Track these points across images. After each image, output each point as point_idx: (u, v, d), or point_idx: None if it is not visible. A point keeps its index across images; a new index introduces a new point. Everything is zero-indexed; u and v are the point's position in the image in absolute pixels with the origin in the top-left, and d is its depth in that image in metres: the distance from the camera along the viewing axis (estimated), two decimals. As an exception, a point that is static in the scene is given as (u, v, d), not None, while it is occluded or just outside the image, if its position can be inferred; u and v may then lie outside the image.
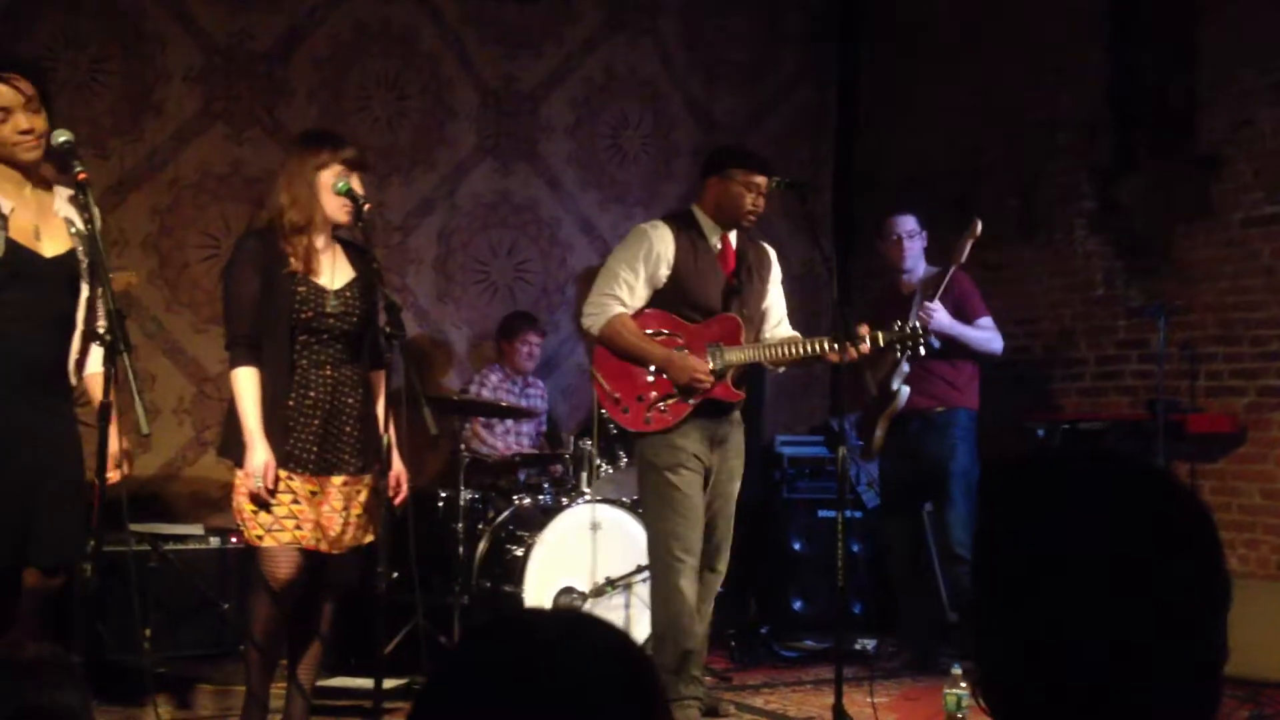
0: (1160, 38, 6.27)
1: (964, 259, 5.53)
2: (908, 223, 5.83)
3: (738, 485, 4.72)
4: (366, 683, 4.17)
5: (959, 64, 7.19)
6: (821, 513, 6.47)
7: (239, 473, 3.91)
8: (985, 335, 5.68)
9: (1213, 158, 6.01)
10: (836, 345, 4.35)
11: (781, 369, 4.86)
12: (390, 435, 3.90)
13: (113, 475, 3.62)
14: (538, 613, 1.34)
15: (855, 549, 6.35)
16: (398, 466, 4.02)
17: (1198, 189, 6.06)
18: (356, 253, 4.09)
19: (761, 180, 4.61)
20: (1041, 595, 1.20)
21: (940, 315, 5.50)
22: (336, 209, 3.96)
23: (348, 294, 4.00)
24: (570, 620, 1.14)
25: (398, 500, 4.02)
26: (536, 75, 7.07)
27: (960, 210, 6.96)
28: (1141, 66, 6.36)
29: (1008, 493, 1.28)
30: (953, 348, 5.60)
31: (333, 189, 3.94)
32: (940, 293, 5.52)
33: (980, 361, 5.75)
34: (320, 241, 4.00)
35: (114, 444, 3.55)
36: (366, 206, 3.96)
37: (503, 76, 6.98)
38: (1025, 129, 6.85)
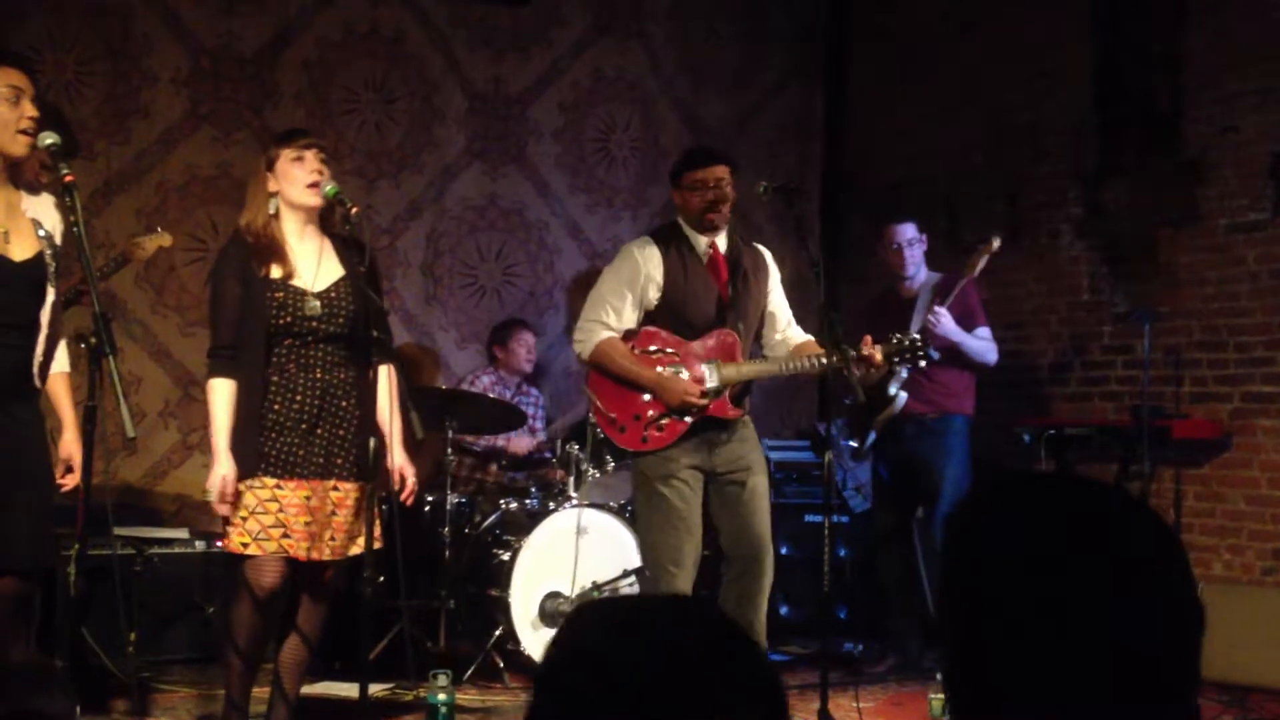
0: (1146, 42, 6.28)
1: (976, 274, 5.57)
2: (907, 231, 5.81)
3: (762, 481, 4.55)
4: (351, 688, 4.15)
5: (945, 67, 7.20)
6: (808, 517, 6.47)
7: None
8: (982, 346, 5.71)
9: (1198, 163, 6.03)
10: (833, 359, 4.21)
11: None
12: (390, 431, 3.90)
13: (69, 481, 3.59)
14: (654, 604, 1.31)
15: (841, 554, 6.35)
16: (399, 460, 3.97)
17: (1183, 194, 6.08)
18: (351, 248, 4.01)
19: (712, 172, 4.50)
20: (1004, 608, 1.19)
21: (947, 322, 5.54)
22: (301, 194, 3.91)
23: (333, 294, 3.92)
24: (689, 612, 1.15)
25: (405, 495, 3.95)
26: (524, 78, 7.06)
27: (948, 213, 6.99)
28: (1127, 70, 6.38)
29: (981, 509, 1.28)
30: (952, 356, 5.61)
31: (322, 192, 3.90)
32: (950, 301, 5.55)
33: (976, 370, 5.78)
34: (293, 240, 3.94)
35: (75, 447, 3.54)
36: (354, 210, 3.91)
37: (491, 79, 6.98)
38: (1011, 132, 6.86)
